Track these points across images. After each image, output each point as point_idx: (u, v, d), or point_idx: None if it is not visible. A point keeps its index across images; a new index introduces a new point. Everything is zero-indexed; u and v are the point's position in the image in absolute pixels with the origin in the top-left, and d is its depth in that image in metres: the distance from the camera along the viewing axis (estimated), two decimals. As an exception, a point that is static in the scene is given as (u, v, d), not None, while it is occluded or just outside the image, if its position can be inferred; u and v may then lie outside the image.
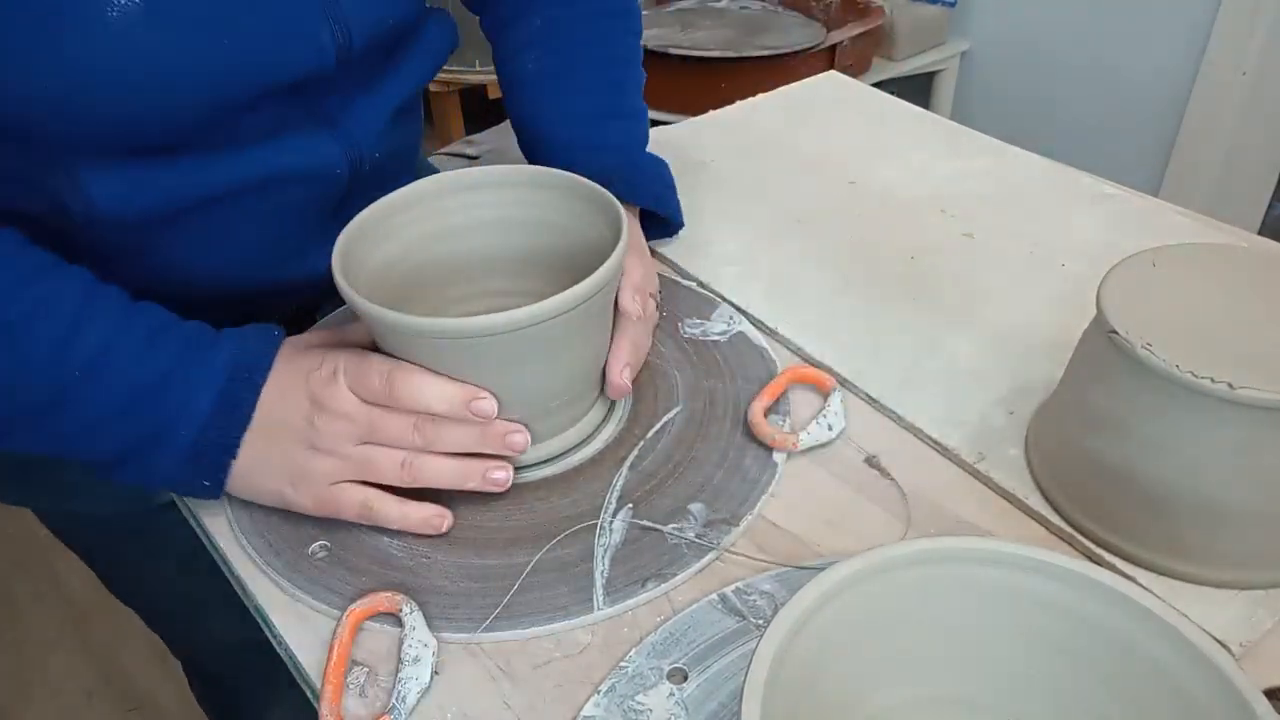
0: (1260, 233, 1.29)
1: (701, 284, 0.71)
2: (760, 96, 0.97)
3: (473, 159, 1.80)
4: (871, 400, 0.61)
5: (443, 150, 1.89)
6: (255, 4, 0.52)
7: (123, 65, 0.48)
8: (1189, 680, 0.37)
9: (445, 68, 2.28)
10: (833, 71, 1.04)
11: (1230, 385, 0.44)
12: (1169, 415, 0.47)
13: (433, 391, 0.51)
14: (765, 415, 0.59)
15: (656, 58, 1.94)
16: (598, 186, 0.58)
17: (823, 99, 0.97)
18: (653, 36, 1.99)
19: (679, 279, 0.71)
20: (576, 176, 0.59)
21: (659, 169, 0.73)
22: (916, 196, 0.80)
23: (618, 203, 0.56)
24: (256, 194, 0.59)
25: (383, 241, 0.58)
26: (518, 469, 0.56)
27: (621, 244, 0.53)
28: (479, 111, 2.38)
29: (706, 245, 0.75)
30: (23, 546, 1.67)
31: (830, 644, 0.39)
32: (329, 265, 0.54)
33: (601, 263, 0.52)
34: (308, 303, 0.73)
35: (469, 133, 2.02)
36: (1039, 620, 0.40)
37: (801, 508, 0.54)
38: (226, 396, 0.52)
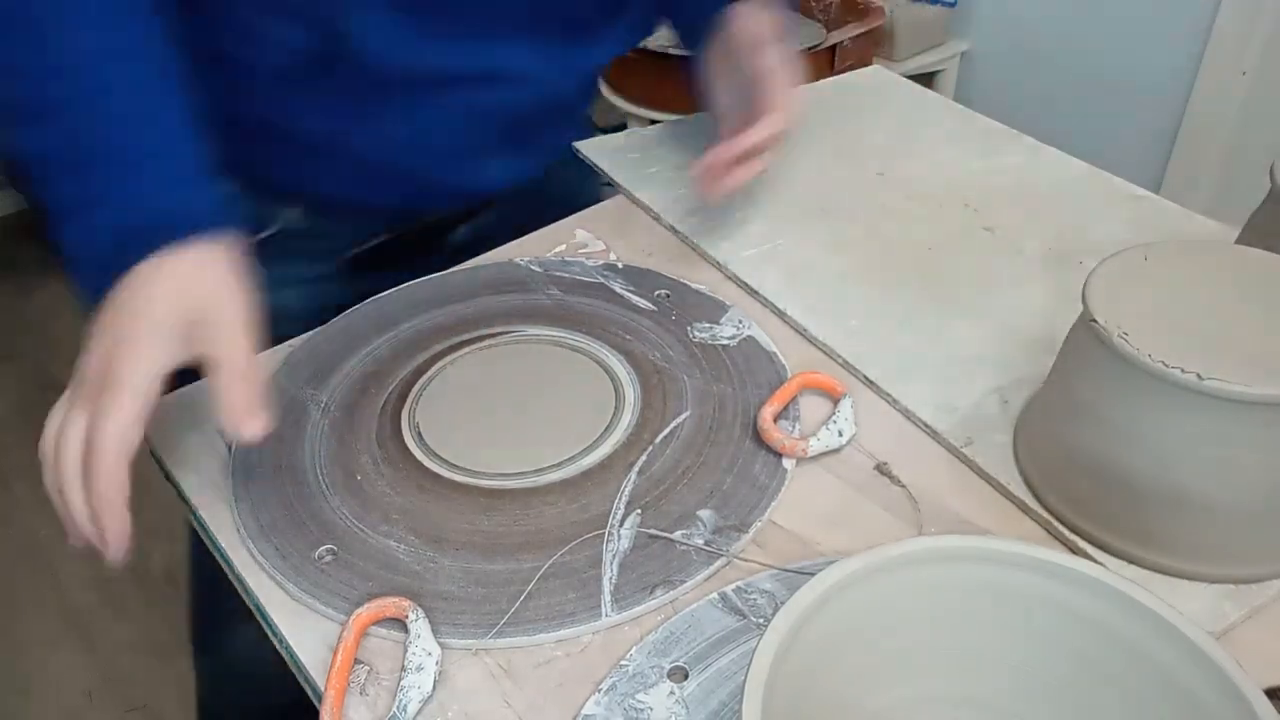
0: (1260, 233, 1.29)
1: (712, 288, 0.72)
2: (802, 87, 0.97)
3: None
4: (869, 383, 0.62)
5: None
6: None
7: None
8: (1190, 679, 0.37)
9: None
10: (877, 65, 1.04)
11: (1199, 375, 0.45)
12: (1141, 404, 0.48)
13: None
14: (775, 421, 0.59)
15: (656, 58, 1.94)
16: None
17: (865, 91, 0.97)
18: (652, 36, 1.99)
19: (688, 283, 0.72)
20: None
21: None
22: (942, 190, 0.81)
23: None
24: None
25: None
26: (529, 473, 0.57)
27: None
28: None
29: (730, 227, 0.77)
30: (23, 546, 1.67)
31: (831, 643, 0.39)
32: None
33: None
34: (449, 217, 0.80)
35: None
36: (1040, 619, 0.40)
37: (811, 514, 0.55)
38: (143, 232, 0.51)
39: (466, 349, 0.66)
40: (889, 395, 0.61)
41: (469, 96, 0.69)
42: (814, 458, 0.57)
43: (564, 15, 0.69)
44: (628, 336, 0.66)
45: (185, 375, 0.64)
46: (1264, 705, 0.34)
